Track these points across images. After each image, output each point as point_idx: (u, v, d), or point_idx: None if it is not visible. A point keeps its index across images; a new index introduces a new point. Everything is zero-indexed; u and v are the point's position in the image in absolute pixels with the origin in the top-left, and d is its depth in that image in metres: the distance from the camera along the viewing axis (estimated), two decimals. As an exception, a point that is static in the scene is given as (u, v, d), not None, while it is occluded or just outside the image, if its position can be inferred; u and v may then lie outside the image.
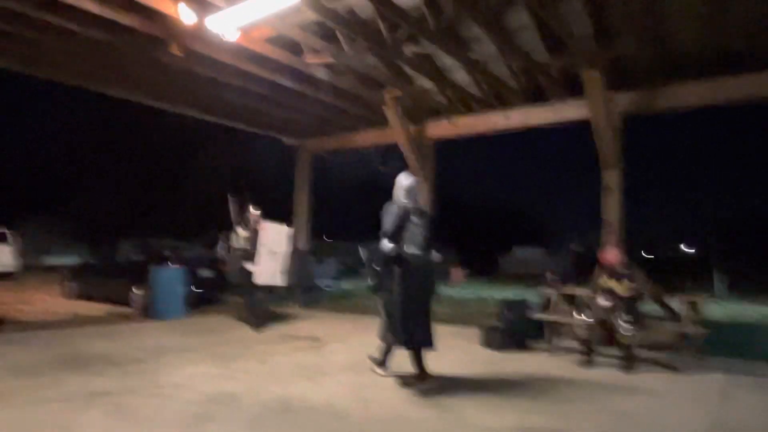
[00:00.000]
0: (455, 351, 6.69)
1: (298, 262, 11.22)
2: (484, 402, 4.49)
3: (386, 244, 4.89)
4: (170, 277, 9.03)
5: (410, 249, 4.92)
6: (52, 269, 18.73)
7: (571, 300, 6.90)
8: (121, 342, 6.73)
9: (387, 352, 5.30)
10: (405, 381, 5.02)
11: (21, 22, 6.33)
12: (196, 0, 5.82)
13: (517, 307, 7.03)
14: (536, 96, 8.25)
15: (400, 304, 4.87)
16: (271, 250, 7.92)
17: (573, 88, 7.65)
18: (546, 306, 7.15)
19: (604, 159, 7.47)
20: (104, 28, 6.43)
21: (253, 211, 8.06)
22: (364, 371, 5.47)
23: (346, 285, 16.47)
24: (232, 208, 8.15)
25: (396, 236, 4.89)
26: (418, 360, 5.00)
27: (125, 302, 9.85)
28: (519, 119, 8.46)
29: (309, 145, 11.37)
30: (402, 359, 5.20)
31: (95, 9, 5.82)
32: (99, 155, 28.28)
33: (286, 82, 8.07)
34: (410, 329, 4.89)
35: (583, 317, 5.96)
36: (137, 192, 26.78)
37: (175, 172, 28.11)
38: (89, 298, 10.96)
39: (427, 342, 5.00)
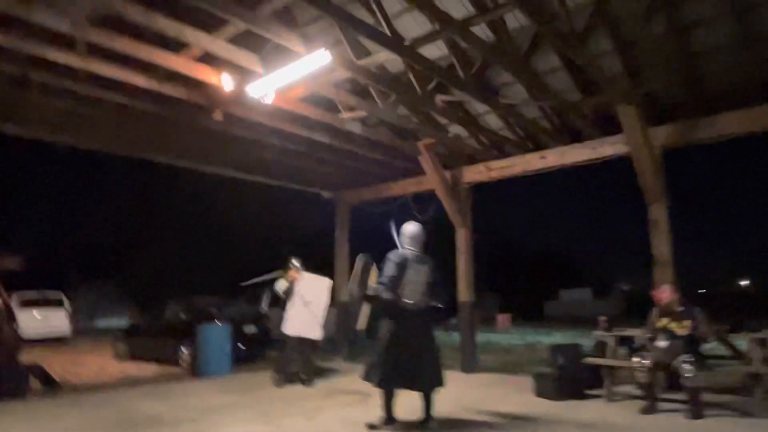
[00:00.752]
0: (507, 401, 6.44)
1: (342, 314, 11.18)
2: (542, 455, 4.26)
3: (384, 293, 5.05)
4: (216, 335, 9.13)
5: (408, 297, 5.07)
6: (103, 332, 19.25)
7: (628, 343, 6.59)
8: (171, 402, 6.77)
9: (388, 399, 5.21)
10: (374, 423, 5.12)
11: (75, 98, 6.80)
12: (236, 69, 6.14)
13: (570, 351, 6.74)
14: (571, 136, 8.21)
15: (384, 348, 5.01)
16: (305, 300, 7.90)
17: (609, 125, 7.58)
18: (600, 350, 6.84)
19: (648, 194, 7.28)
20: (151, 99, 6.83)
21: (294, 263, 8.17)
22: (413, 426, 5.30)
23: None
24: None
25: (393, 284, 5.03)
26: (387, 403, 5.13)
27: (174, 361, 9.97)
28: (555, 159, 8.39)
29: (347, 197, 11.54)
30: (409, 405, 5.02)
31: (143, 83, 6.20)
32: (145, 220, 29.45)
33: (322, 138, 8.31)
34: (388, 372, 4.98)
35: (642, 360, 5.67)
36: (182, 253, 27.55)
37: (218, 232, 28.91)
38: (139, 358, 11.15)
39: (385, 383, 5.06)
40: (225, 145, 8.75)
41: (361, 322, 6.07)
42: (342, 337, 11.12)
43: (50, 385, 7.85)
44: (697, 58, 6.49)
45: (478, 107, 8.02)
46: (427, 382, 5.13)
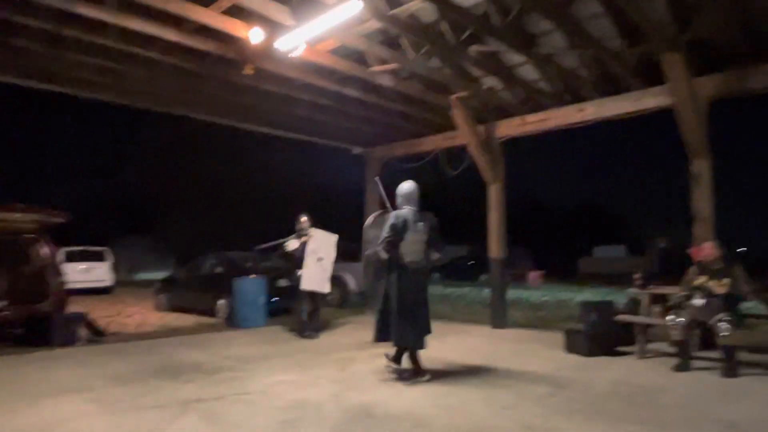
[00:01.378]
0: (537, 357, 6.47)
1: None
2: (571, 411, 4.29)
3: (382, 253, 5.26)
4: (250, 288, 9.38)
5: (407, 256, 5.20)
6: (143, 284, 20.04)
7: (663, 300, 6.48)
8: (210, 351, 7.05)
9: (414, 355, 5.38)
10: (402, 376, 5.28)
11: (109, 55, 6.84)
12: (266, 22, 6.03)
13: (603, 309, 6.68)
14: (611, 86, 7.86)
15: (395, 308, 5.18)
16: (318, 257, 8.11)
17: (652, 76, 7.22)
18: (634, 307, 6.75)
19: (691, 148, 6.98)
20: (182, 54, 6.82)
21: (303, 219, 8.30)
22: (445, 378, 5.39)
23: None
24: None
25: (391, 245, 5.18)
26: (413, 357, 5.32)
27: (211, 313, 10.34)
28: (593, 112, 8.08)
29: (377, 153, 11.46)
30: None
31: (174, 37, 6.18)
32: (182, 176, 30.06)
33: (352, 92, 8.19)
34: (404, 331, 5.20)
35: (677, 318, 5.57)
36: (218, 208, 28.17)
37: (251, 187, 29.35)
38: (178, 309, 11.60)
39: (419, 343, 5.30)
40: (256, 100, 8.74)
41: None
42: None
43: (96, 333, 8.25)
44: (751, 1, 6.03)
45: (514, 58, 7.73)
46: (424, 342, 5.35)
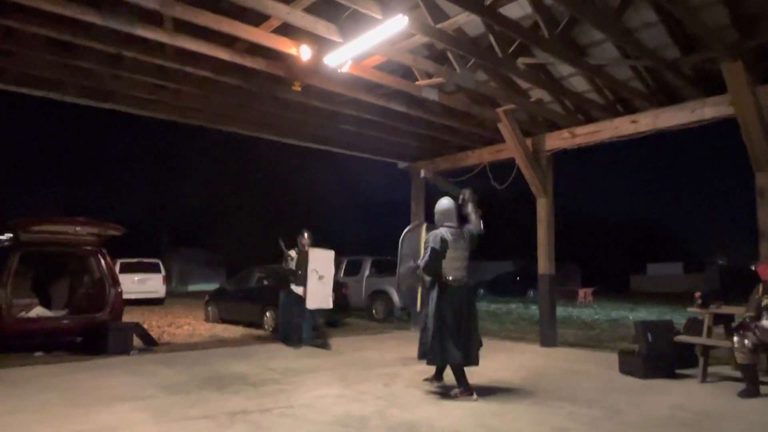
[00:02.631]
0: (590, 378, 6.21)
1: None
2: (629, 435, 4.07)
3: (421, 273, 5.39)
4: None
5: (450, 274, 5.20)
6: (194, 295, 20.62)
7: (726, 321, 6.11)
8: (255, 362, 7.13)
9: (459, 373, 5.27)
10: (448, 392, 5.24)
11: (165, 74, 7.13)
12: (314, 39, 6.14)
13: (661, 329, 6.35)
14: (666, 96, 7.56)
15: (437, 327, 5.14)
16: (319, 274, 8.28)
17: (711, 84, 6.91)
18: (694, 328, 6.40)
19: (755, 160, 6.60)
20: (234, 72, 7.03)
21: (306, 236, 8.56)
22: (492, 397, 5.24)
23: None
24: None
25: (432, 268, 5.18)
26: (459, 375, 5.22)
27: (258, 324, 10.50)
28: (647, 123, 7.78)
29: (422, 167, 11.42)
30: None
31: (226, 56, 6.37)
32: (231, 191, 30.94)
33: (398, 107, 8.20)
34: (445, 348, 5.11)
35: (744, 340, 5.23)
36: (265, 222, 28.76)
37: (299, 200, 29.88)
38: (227, 321, 11.84)
39: (465, 360, 5.18)
40: (303, 116, 8.89)
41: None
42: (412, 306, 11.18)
43: (149, 343, 8.51)
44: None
45: (563, 69, 7.57)
46: (473, 357, 5.26)
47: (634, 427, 4.28)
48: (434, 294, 5.25)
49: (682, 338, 6.22)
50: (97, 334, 7.88)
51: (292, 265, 8.68)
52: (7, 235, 8.29)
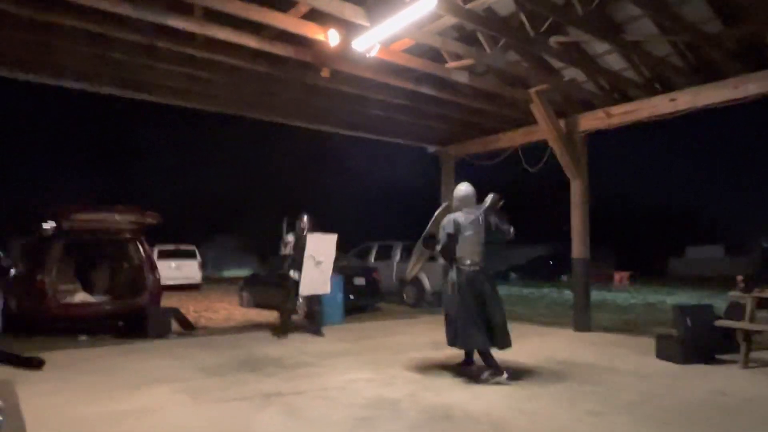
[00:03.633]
0: (625, 362, 6.10)
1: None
2: (663, 422, 3.99)
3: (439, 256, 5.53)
4: (330, 286, 9.54)
5: (466, 259, 5.24)
6: (229, 281, 21.07)
7: (769, 305, 5.89)
8: (290, 346, 7.26)
9: (485, 355, 5.27)
10: (476, 375, 5.22)
11: (196, 64, 7.22)
12: (342, 23, 6.11)
13: (701, 313, 6.17)
14: (707, 73, 7.26)
15: (459, 312, 5.20)
16: (316, 260, 8.02)
17: (754, 59, 6.60)
18: (736, 312, 6.19)
19: (802, 137, 6.32)
20: (262, 59, 7.07)
21: (304, 220, 8.33)
22: (525, 381, 5.21)
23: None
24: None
25: (447, 251, 5.29)
26: (485, 357, 5.23)
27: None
28: (687, 101, 7.48)
29: (452, 151, 11.31)
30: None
31: (255, 44, 6.41)
32: (263, 177, 31.35)
33: (428, 90, 8.12)
34: (471, 333, 5.17)
35: (788, 325, 5.04)
36: (297, 207, 29.11)
37: (328, 187, 30.08)
38: (261, 306, 12.06)
39: (491, 342, 5.21)
40: (332, 102, 8.89)
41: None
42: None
43: (186, 327, 8.75)
44: None
45: (597, 47, 7.34)
46: (500, 341, 5.24)
47: (672, 412, 4.19)
48: (452, 278, 5.29)
49: (723, 323, 6.03)
50: (137, 318, 8.15)
51: (288, 250, 8.43)
52: (51, 224, 8.61)
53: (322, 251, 8.14)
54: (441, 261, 6.10)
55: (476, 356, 5.50)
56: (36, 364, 5.86)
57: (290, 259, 8.28)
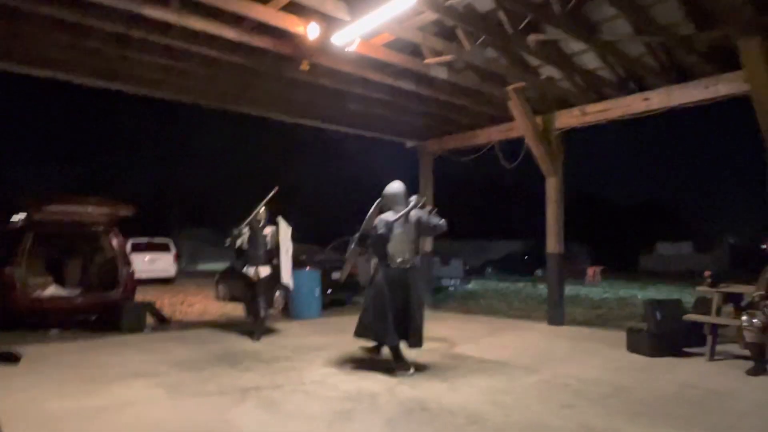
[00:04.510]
0: (597, 356, 6.26)
1: (424, 263, 11.27)
2: (634, 413, 4.12)
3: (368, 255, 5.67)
4: (307, 280, 9.55)
5: (396, 256, 5.36)
6: (204, 274, 20.82)
7: (736, 300, 6.10)
8: (268, 340, 7.24)
9: (395, 350, 5.42)
10: (387, 369, 5.31)
11: (172, 54, 7.09)
12: (322, 17, 6.08)
13: (670, 307, 6.36)
14: (679, 74, 7.44)
15: (378, 306, 5.32)
16: (286, 248, 7.68)
17: (725, 61, 6.79)
18: (703, 306, 6.40)
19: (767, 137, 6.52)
20: (241, 51, 6.99)
21: (261, 212, 7.76)
22: (498, 375, 5.31)
23: (472, 285, 16.24)
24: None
25: (378, 250, 5.43)
26: (394, 354, 5.39)
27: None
28: (660, 101, 7.66)
29: (430, 146, 11.37)
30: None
31: (233, 35, 6.33)
32: (237, 171, 31.00)
33: (407, 86, 8.14)
34: (384, 328, 5.29)
35: (752, 319, 5.24)
36: (274, 202, 28.90)
37: (305, 181, 29.91)
38: (237, 299, 11.97)
39: (395, 340, 5.34)
40: (310, 95, 8.84)
41: (343, 274, 6.76)
42: (425, 286, 11.25)
43: (161, 321, 8.65)
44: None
45: (574, 46, 7.45)
46: (413, 341, 5.37)
47: (642, 404, 4.33)
48: (380, 276, 5.40)
49: (691, 317, 6.23)
50: (110, 312, 8.03)
51: (243, 240, 7.66)
52: (21, 215, 8.39)
53: (288, 241, 7.81)
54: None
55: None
56: (13, 358, 5.73)
57: (246, 255, 7.62)
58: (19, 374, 5.29)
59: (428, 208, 5.64)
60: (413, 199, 5.55)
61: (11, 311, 7.60)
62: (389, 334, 5.30)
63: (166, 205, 31.17)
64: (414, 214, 5.46)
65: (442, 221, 5.58)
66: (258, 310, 7.45)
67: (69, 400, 4.38)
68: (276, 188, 7.80)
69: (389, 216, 5.47)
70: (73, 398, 4.45)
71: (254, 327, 7.46)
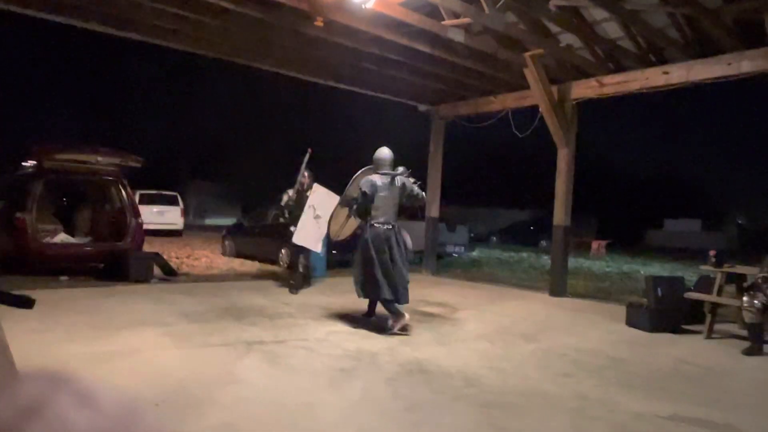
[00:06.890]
0: (596, 328, 6.34)
1: (429, 229, 11.32)
2: (631, 385, 4.19)
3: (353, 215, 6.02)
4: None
5: (379, 217, 5.60)
6: (211, 228, 21.02)
7: (739, 280, 6.12)
8: (271, 297, 7.36)
9: (388, 303, 5.59)
10: (388, 325, 5.48)
11: (186, 4, 6.96)
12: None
13: (671, 284, 6.39)
14: (702, 48, 7.24)
15: (369, 266, 5.54)
16: (316, 214, 7.72)
17: (750, 37, 6.60)
18: (706, 285, 6.43)
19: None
20: (255, 4, 6.85)
21: (307, 174, 8.04)
22: (498, 341, 5.40)
23: (477, 253, 16.33)
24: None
25: (361, 210, 5.74)
26: (388, 307, 5.57)
27: (274, 260, 10.75)
28: (680, 75, 7.49)
29: (443, 111, 11.24)
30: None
31: (247, -14, 6.21)
32: (250, 126, 30.85)
33: (423, 47, 7.98)
34: (376, 284, 5.49)
35: (753, 300, 5.26)
36: (283, 159, 28.83)
37: (318, 139, 29.78)
38: (243, 255, 12.13)
39: (387, 294, 5.50)
40: (324, 53, 8.70)
41: (334, 231, 6.81)
42: (430, 251, 11.32)
43: (168, 273, 8.79)
44: None
45: (596, 13, 7.26)
46: (401, 297, 5.57)
47: (637, 377, 4.41)
48: (367, 237, 5.63)
49: (692, 295, 6.26)
50: (118, 261, 8.15)
51: (289, 203, 8.03)
52: (31, 162, 8.44)
53: (323, 207, 7.79)
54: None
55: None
56: (29, 303, 5.85)
57: (292, 216, 7.97)
58: (32, 318, 5.42)
59: (412, 180, 5.93)
60: (401, 169, 5.84)
61: (22, 256, 7.74)
62: (381, 288, 5.48)
63: (174, 157, 31.19)
64: (399, 179, 5.73)
65: (423, 194, 5.99)
66: (297, 266, 7.94)
67: (79, 344, 4.51)
68: (310, 150, 8.16)
69: (376, 178, 5.69)
70: (83, 342, 4.58)
71: (293, 279, 7.93)
